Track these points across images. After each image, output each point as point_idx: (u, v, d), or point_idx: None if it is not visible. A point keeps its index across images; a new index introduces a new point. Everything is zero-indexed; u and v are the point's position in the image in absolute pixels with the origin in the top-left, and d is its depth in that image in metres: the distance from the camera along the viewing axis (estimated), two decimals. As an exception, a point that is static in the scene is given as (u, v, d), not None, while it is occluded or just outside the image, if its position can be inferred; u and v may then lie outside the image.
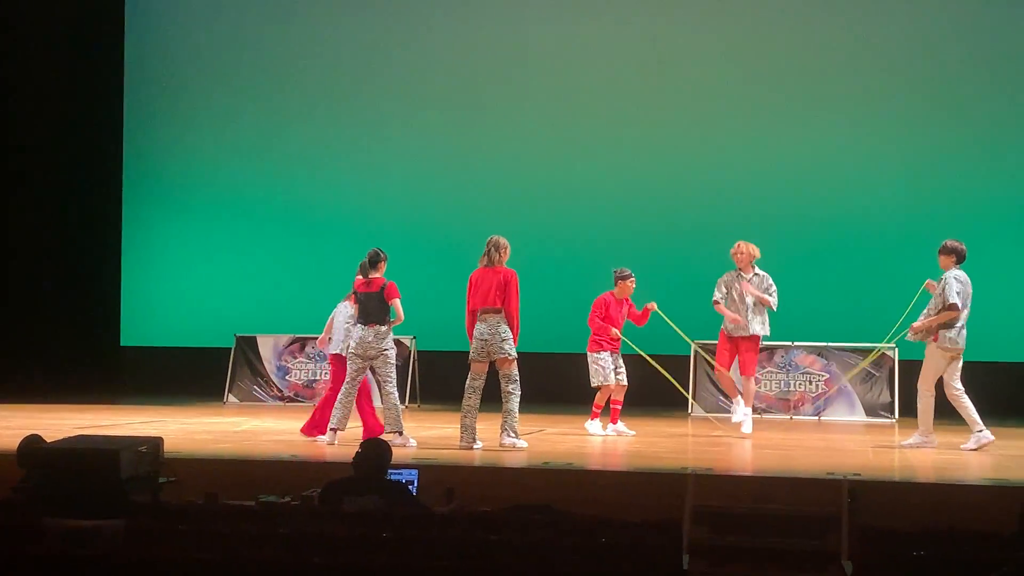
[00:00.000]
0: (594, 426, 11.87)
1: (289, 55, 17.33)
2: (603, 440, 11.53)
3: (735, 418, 11.94)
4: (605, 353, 11.79)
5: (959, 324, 10.55)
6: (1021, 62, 15.35)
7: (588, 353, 11.88)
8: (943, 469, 9.62)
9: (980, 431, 10.56)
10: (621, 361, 11.92)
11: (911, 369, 13.55)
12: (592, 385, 11.88)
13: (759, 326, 11.77)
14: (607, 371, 11.75)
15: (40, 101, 17.66)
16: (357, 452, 7.27)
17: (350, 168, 16.99)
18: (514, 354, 10.47)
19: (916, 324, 10.75)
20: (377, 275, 10.90)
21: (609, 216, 16.08)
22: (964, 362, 10.74)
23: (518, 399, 10.51)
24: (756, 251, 11.94)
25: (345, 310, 11.53)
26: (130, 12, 17.80)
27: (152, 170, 17.59)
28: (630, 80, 16.27)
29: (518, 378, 10.50)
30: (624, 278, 11.87)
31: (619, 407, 11.87)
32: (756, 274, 11.87)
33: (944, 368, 10.66)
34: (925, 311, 10.75)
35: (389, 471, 7.67)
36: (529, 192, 16.39)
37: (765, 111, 15.87)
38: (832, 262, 15.31)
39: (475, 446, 10.40)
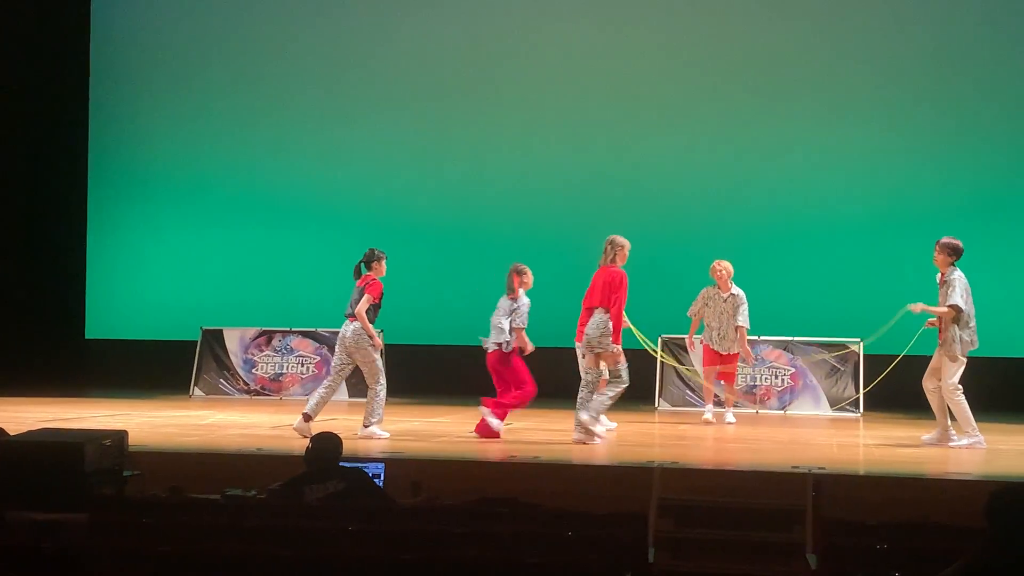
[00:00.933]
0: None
1: (257, 46, 17.22)
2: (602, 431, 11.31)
3: (706, 415, 12.61)
4: None
5: (972, 325, 10.38)
6: (996, 56, 15.40)
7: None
8: (906, 463, 9.69)
9: (975, 436, 10.42)
10: None
11: (876, 364, 13.65)
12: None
13: (735, 344, 12.69)
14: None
15: (3, 91, 17.50)
16: (308, 447, 7.27)
17: (318, 160, 16.91)
18: (612, 349, 10.55)
19: (921, 307, 10.52)
20: (369, 273, 10.99)
21: (587, 211, 16.01)
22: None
23: (615, 392, 10.64)
24: (731, 269, 12.65)
25: (502, 305, 11.22)
26: (96, 1, 17.67)
27: (118, 162, 17.46)
28: (608, 77, 16.19)
29: (621, 374, 10.60)
30: None
31: None
32: (733, 294, 12.60)
33: (962, 365, 10.41)
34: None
35: (356, 465, 7.67)
36: (508, 186, 16.33)
37: (733, 107, 15.87)
38: (798, 257, 15.37)
39: (594, 440, 10.51)
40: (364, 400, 10.67)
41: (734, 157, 15.81)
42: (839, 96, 15.66)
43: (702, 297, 12.81)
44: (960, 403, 10.39)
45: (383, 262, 11.11)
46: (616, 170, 16.08)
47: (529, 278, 11.12)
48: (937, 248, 10.50)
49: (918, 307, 10.54)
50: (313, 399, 10.99)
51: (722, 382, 13.00)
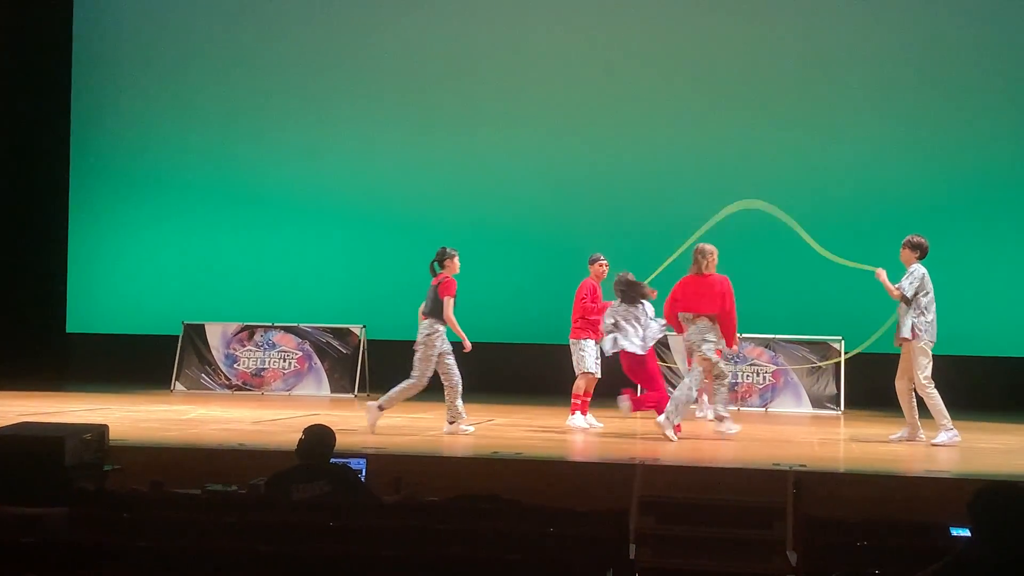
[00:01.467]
0: (579, 420, 11.51)
1: (239, 43, 17.19)
2: (586, 428, 11.40)
3: (699, 413, 12.49)
4: (591, 341, 11.61)
5: (930, 318, 10.48)
6: (974, 52, 15.46)
7: (574, 340, 11.67)
8: (887, 461, 9.72)
9: (950, 430, 10.49)
10: (599, 351, 11.73)
11: (857, 362, 13.70)
12: (577, 371, 11.59)
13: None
14: (594, 359, 11.60)
15: (-15, 84, 17.45)
16: (300, 439, 7.24)
17: (300, 155, 16.88)
18: (709, 355, 10.75)
19: (883, 277, 10.67)
20: (442, 272, 11.07)
21: (571, 210, 16.02)
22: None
23: (723, 389, 11.03)
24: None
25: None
26: (79, -6, 17.63)
27: (100, 155, 17.41)
28: (594, 71, 16.21)
29: (719, 374, 10.88)
30: (591, 262, 11.83)
31: (589, 399, 11.78)
32: None
33: (929, 360, 10.53)
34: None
35: (338, 461, 7.65)
36: (490, 183, 16.33)
37: (713, 104, 15.90)
38: (780, 255, 15.39)
39: (731, 430, 10.80)
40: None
41: (715, 154, 15.82)
42: (823, 95, 15.70)
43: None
44: (933, 397, 10.47)
45: (455, 259, 11.14)
46: (597, 166, 16.08)
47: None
48: (905, 245, 10.74)
49: (882, 274, 10.74)
50: (392, 392, 11.08)
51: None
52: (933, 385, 10.47)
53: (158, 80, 17.34)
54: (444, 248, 11.12)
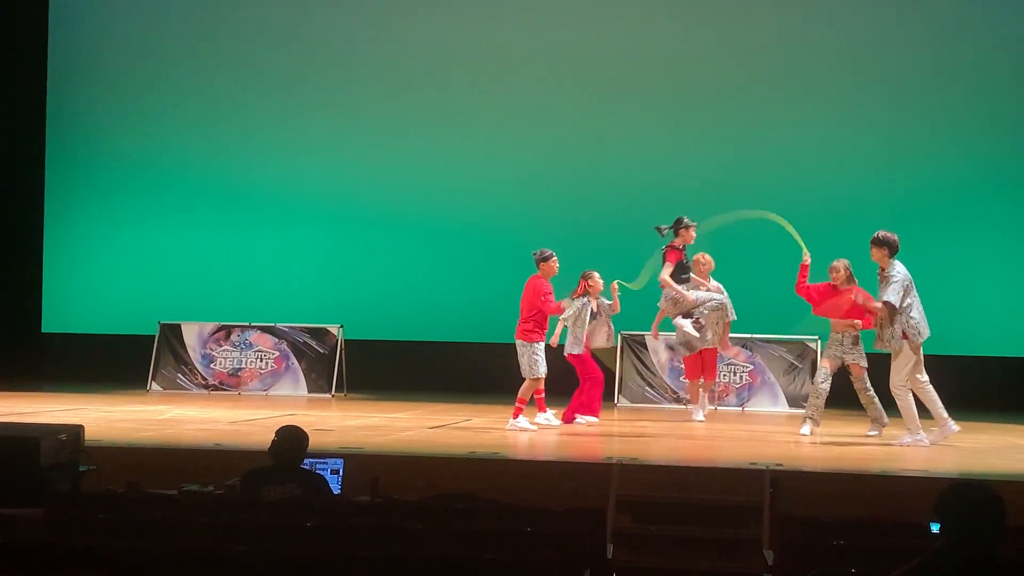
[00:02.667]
0: (524, 421, 11.42)
1: (217, 42, 17.13)
2: (533, 430, 11.34)
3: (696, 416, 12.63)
4: (541, 343, 11.48)
5: (914, 315, 10.26)
6: (953, 48, 15.52)
7: (525, 342, 11.40)
8: (863, 460, 9.75)
9: (916, 434, 10.49)
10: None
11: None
12: (530, 376, 11.37)
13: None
14: (543, 362, 11.45)
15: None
16: (274, 440, 7.22)
17: (277, 155, 16.83)
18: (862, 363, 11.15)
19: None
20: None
21: (551, 207, 16.01)
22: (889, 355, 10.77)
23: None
24: (712, 263, 12.21)
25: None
26: (55, -10, 17.54)
27: (75, 155, 17.32)
28: (584, 70, 16.19)
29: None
30: (547, 259, 11.60)
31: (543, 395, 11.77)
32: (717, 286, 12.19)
33: (912, 361, 10.37)
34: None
35: (315, 461, 7.64)
36: (468, 184, 16.31)
37: (695, 104, 15.93)
38: (756, 254, 15.42)
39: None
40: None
41: (694, 153, 15.84)
42: (800, 94, 15.75)
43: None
44: (907, 401, 10.36)
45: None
46: (576, 163, 16.09)
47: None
48: (873, 243, 10.47)
49: (807, 259, 11.06)
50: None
51: (702, 379, 12.85)
52: (927, 383, 10.40)
53: (134, 79, 17.26)
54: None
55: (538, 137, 16.22)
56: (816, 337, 14.34)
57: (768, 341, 14.72)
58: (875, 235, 10.52)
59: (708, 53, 16.01)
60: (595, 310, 12.04)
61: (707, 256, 12.21)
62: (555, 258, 11.62)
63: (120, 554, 5.44)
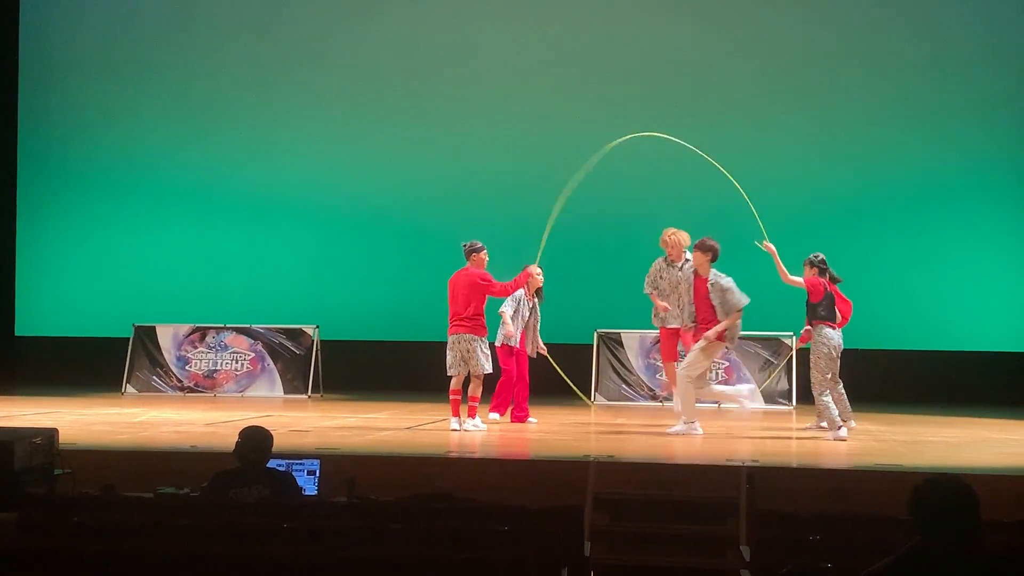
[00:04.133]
0: (476, 421, 11.10)
1: (189, 43, 17.08)
2: (486, 431, 11.07)
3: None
4: (485, 339, 11.22)
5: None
6: (936, 45, 15.59)
7: (473, 336, 11.03)
8: (838, 455, 9.80)
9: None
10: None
11: (807, 356, 13.78)
12: (479, 373, 11.07)
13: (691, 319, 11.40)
14: (488, 359, 11.19)
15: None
16: (237, 442, 7.19)
17: (251, 156, 16.81)
18: None
19: (711, 333, 10.69)
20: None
21: (521, 205, 16.01)
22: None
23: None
24: (686, 238, 11.82)
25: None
26: (26, -11, 17.46)
27: (48, 157, 17.24)
28: (553, 67, 16.23)
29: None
30: (478, 251, 11.34)
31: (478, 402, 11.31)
32: (687, 260, 11.63)
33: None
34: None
35: (292, 462, 7.63)
36: (445, 183, 16.32)
37: (674, 100, 15.96)
38: (732, 250, 15.43)
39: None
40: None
41: (671, 151, 15.83)
42: (787, 95, 15.81)
43: (655, 270, 12.00)
44: (688, 390, 10.76)
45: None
46: (554, 160, 16.06)
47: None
48: (696, 247, 10.90)
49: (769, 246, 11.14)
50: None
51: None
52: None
53: (107, 81, 17.20)
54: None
55: (515, 138, 16.22)
56: (791, 333, 14.37)
57: (743, 338, 14.73)
58: (702, 240, 10.93)
59: (693, 52, 16.05)
60: (530, 307, 11.96)
61: (673, 234, 11.93)
62: (485, 250, 11.39)
63: (96, 558, 5.42)
